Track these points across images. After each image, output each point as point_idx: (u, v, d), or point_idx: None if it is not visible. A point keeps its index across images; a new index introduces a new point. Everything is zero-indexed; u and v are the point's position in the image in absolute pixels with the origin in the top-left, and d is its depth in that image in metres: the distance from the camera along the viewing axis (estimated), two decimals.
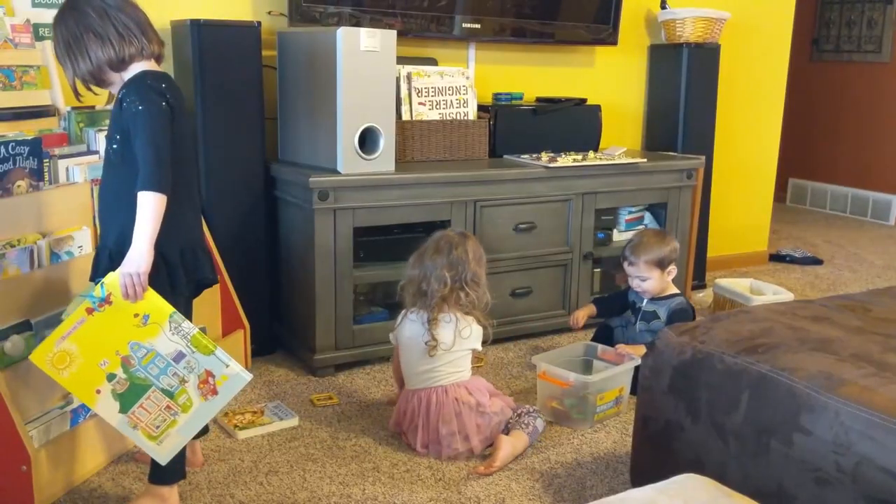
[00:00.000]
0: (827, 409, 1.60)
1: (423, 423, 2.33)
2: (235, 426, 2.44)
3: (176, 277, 1.91)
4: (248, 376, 1.89)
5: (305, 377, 2.87)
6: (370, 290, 3.16)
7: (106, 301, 1.80)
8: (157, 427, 1.86)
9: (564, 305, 3.33)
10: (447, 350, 2.34)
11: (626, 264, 2.89)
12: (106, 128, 2.40)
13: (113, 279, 1.79)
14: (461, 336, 2.36)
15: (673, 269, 2.85)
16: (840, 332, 1.93)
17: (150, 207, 1.77)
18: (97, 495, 2.09)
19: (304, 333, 2.93)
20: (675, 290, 2.90)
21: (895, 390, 1.60)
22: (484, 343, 2.43)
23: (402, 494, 2.13)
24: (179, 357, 1.84)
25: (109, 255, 1.87)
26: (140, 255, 1.78)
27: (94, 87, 1.95)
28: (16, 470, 1.93)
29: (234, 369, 1.87)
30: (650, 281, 2.83)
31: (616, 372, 2.60)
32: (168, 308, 1.83)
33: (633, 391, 2.52)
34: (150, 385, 1.84)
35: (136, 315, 1.82)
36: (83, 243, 2.28)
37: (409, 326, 2.39)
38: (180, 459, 1.98)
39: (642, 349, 2.50)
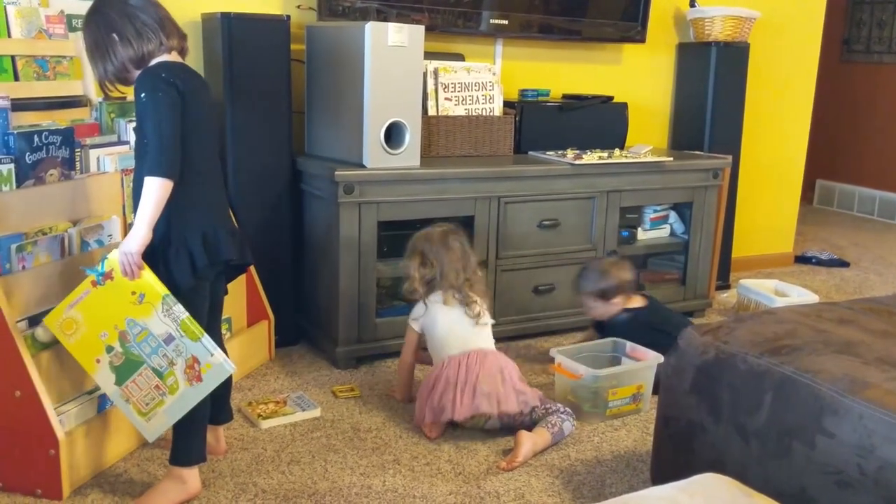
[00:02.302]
0: (850, 412, 1.60)
1: (462, 385, 2.36)
2: (259, 416, 2.46)
3: (198, 261, 1.95)
4: (232, 368, 1.96)
5: (328, 368, 2.89)
6: (393, 283, 3.17)
7: (107, 276, 1.90)
8: (147, 404, 1.95)
9: None
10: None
11: (574, 290, 3.04)
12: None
13: (114, 256, 1.88)
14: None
15: (618, 301, 2.89)
16: (865, 336, 1.92)
17: (152, 191, 1.84)
18: (123, 480, 2.12)
19: (327, 325, 2.95)
20: (631, 304, 2.93)
21: None
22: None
23: (421, 487, 2.15)
24: (169, 339, 1.91)
25: None
26: (137, 235, 1.85)
27: (120, 87, 2.02)
28: (44, 454, 1.97)
29: (217, 359, 1.93)
30: (593, 310, 2.95)
31: (629, 369, 2.61)
32: (162, 290, 1.89)
33: (655, 391, 2.52)
34: (142, 362, 1.93)
35: (134, 293, 1.90)
36: (113, 232, 2.32)
37: (446, 311, 2.51)
38: (201, 442, 2.01)
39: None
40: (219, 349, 1.94)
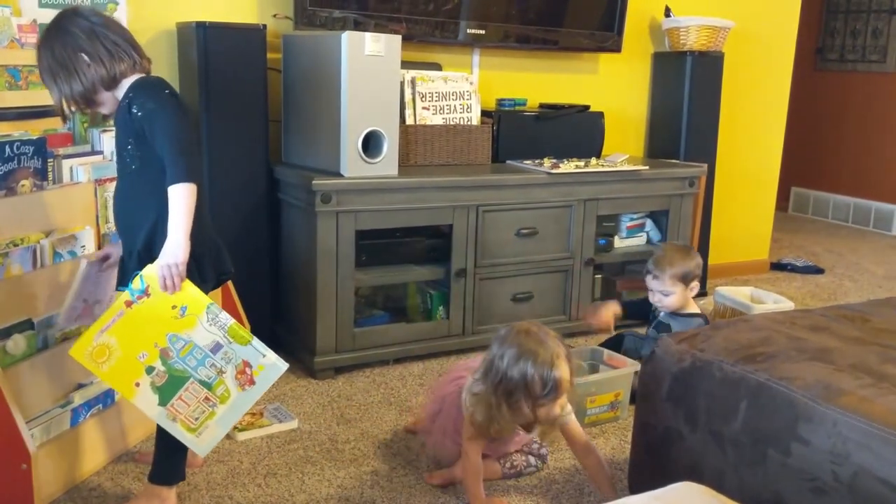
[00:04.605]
0: (825, 419, 1.61)
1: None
2: (235, 428, 2.44)
3: (205, 269, 1.94)
4: (285, 366, 1.90)
5: (306, 379, 2.87)
6: (371, 293, 3.17)
7: (144, 293, 1.83)
8: (196, 419, 1.87)
9: (565, 311, 3.33)
10: None
11: (649, 278, 2.80)
12: (110, 128, 2.42)
13: (151, 271, 1.82)
14: None
15: (696, 286, 2.77)
16: (839, 342, 1.93)
17: (183, 198, 1.79)
18: (96, 495, 2.10)
19: (304, 335, 2.94)
20: (696, 309, 2.81)
21: (893, 401, 1.60)
22: None
23: (400, 498, 2.13)
24: (217, 348, 1.86)
25: (139, 257, 1.88)
26: (177, 245, 1.79)
27: (83, 109, 1.96)
28: (16, 468, 1.94)
29: (270, 359, 1.89)
30: (672, 296, 2.76)
31: (607, 376, 2.62)
32: (205, 299, 1.85)
33: (633, 400, 2.53)
34: (188, 377, 1.86)
35: (174, 307, 1.84)
36: (86, 243, 2.29)
37: None
38: (181, 461, 1.98)
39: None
40: (270, 349, 1.90)
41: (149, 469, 2.01)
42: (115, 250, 2.11)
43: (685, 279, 2.75)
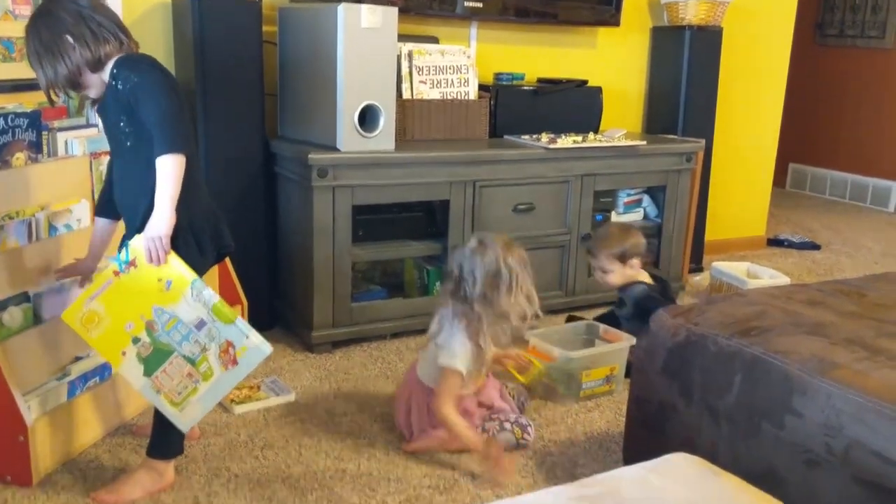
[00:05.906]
0: (819, 393, 1.62)
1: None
2: (232, 401, 2.45)
3: (203, 242, 1.93)
4: (269, 349, 1.89)
5: (303, 353, 2.88)
6: (368, 267, 3.17)
7: (131, 264, 1.83)
8: (179, 394, 1.88)
9: (561, 286, 3.34)
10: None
11: (589, 256, 3.01)
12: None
13: (137, 243, 1.82)
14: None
15: (635, 263, 2.90)
16: (834, 317, 1.94)
17: (170, 169, 1.77)
18: (94, 466, 2.11)
19: (302, 310, 2.94)
20: (643, 279, 2.91)
21: (887, 375, 1.61)
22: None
23: (396, 470, 2.15)
24: (201, 325, 1.85)
25: (138, 233, 1.86)
26: (162, 218, 1.78)
27: (70, 92, 1.94)
28: (13, 440, 1.95)
29: (253, 341, 1.87)
30: (611, 274, 2.91)
31: (602, 350, 2.63)
32: (191, 275, 1.84)
33: (628, 374, 2.54)
34: (172, 351, 1.86)
35: (160, 280, 1.83)
36: (81, 216, 2.29)
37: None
38: (180, 436, 1.99)
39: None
40: (254, 331, 1.89)
41: (146, 442, 2.02)
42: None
43: (622, 257, 2.88)
